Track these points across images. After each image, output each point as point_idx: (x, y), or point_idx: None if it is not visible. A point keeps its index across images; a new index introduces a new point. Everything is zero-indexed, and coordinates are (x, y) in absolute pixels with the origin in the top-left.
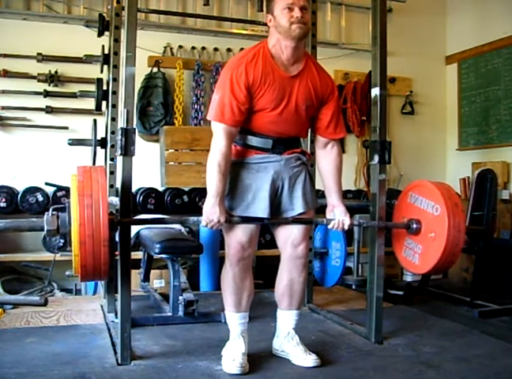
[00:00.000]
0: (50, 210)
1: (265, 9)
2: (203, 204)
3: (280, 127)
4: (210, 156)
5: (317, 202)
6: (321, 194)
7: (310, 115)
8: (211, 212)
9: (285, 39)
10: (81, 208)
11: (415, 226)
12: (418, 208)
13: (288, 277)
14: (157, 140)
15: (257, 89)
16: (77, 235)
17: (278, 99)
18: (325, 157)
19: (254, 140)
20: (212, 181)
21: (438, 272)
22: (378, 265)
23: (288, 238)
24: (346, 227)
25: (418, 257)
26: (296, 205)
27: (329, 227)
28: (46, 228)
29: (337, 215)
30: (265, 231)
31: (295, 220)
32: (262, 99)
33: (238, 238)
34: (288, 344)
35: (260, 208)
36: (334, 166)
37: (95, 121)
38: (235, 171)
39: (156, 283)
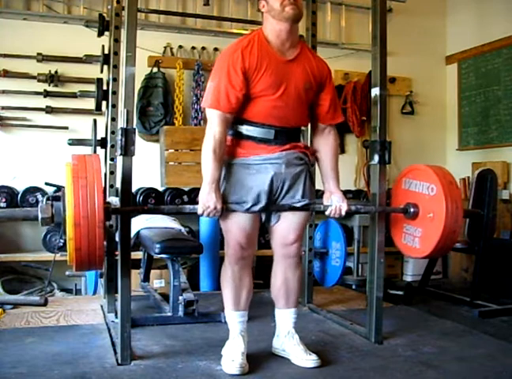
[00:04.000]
0: (45, 199)
1: None
2: None
3: (281, 112)
4: (205, 144)
5: (315, 203)
6: (320, 194)
7: (310, 99)
8: (207, 198)
9: (279, 23)
10: (76, 189)
11: (412, 210)
12: (413, 193)
13: (282, 276)
14: (157, 140)
15: (254, 73)
16: (72, 217)
17: (276, 83)
18: (323, 142)
19: (255, 131)
20: (208, 168)
21: (439, 254)
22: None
23: (281, 237)
24: (343, 213)
25: (418, 240)
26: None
27: (327, 213)
28: (40, 216)
29: (334, 201)
30: (265, 231)
31: (292, 207)
32: (260, 84)
33: (237, 238)
34: (288, 343)
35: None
36: (332, 150)
37: (95, 121)
38: (234, 172)
39: (156, 283)
